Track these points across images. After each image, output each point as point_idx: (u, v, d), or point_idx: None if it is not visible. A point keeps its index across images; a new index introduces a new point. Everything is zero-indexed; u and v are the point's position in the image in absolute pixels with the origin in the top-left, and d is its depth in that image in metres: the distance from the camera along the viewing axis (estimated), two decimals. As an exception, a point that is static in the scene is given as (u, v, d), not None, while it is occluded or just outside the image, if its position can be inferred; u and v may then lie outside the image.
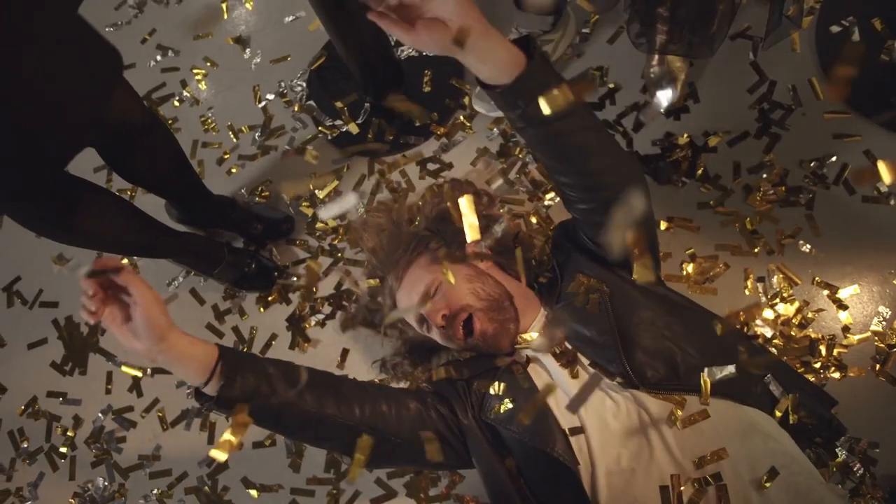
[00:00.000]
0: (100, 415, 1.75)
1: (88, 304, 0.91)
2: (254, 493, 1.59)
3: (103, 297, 0.92)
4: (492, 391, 1.16)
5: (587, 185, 1.05)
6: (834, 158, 1.56)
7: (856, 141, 1.56)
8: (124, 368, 1.75)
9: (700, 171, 1.60)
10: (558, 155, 1.02)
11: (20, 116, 1.00)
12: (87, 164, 1.90)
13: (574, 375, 1.12)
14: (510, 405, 1.13)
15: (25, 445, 1.77)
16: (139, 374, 1.75)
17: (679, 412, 1.01)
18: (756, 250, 1.52)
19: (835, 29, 1.64)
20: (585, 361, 1.14)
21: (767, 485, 0.97)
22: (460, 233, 1.34)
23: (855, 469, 1.29)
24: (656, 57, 1.54)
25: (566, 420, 1.08)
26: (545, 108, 0.84)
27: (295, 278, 1.76)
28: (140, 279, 0.92)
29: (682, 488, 0.97)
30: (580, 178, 1.04)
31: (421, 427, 1.15)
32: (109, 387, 1.78)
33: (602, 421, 1.05)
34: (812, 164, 1.56)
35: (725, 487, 0.95)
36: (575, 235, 1.27)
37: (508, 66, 0.89)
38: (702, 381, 1.02)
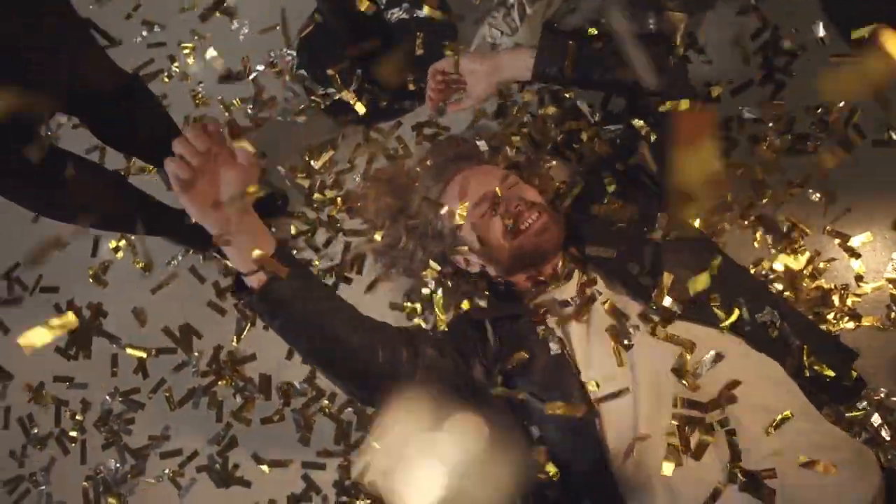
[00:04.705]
0: (107, 397, 1.74)
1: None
2: (265, 468, 1.59)
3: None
4: (511, 338, 1.15)
5: None
6: (842, 104, 1.51)
7: (864, 85, 1.51)
8: (129, 350, 1.74)
9: (704, 123, 1.55)
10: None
11: None
12: (78, 147, 1.87)
13: (582, 319, 1.10)
14: (528, 354, 1.11)
15: (35, 431, 1.77)
16: (143, 355, 1.73)
17: (688, 356, 0.99)
18: (764, 201, 1.48)
19: (838, -32, 1.59)
20: (601, 308, 1.10)
21: (775, 431, 0.96)
22: None
23: (871, 419, 1.27)
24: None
25: (584, 372, 1.07)
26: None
27: (295, 251, 1.73)
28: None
29: (689, 432, 0.95)
30: None
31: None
32: (115, 369, 1.76)
33: (612, 368, 1.04)
34: (819, 111, 1.51)
35: (734, 432, 0.94)
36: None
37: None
38: (714, 310, 1.06)
